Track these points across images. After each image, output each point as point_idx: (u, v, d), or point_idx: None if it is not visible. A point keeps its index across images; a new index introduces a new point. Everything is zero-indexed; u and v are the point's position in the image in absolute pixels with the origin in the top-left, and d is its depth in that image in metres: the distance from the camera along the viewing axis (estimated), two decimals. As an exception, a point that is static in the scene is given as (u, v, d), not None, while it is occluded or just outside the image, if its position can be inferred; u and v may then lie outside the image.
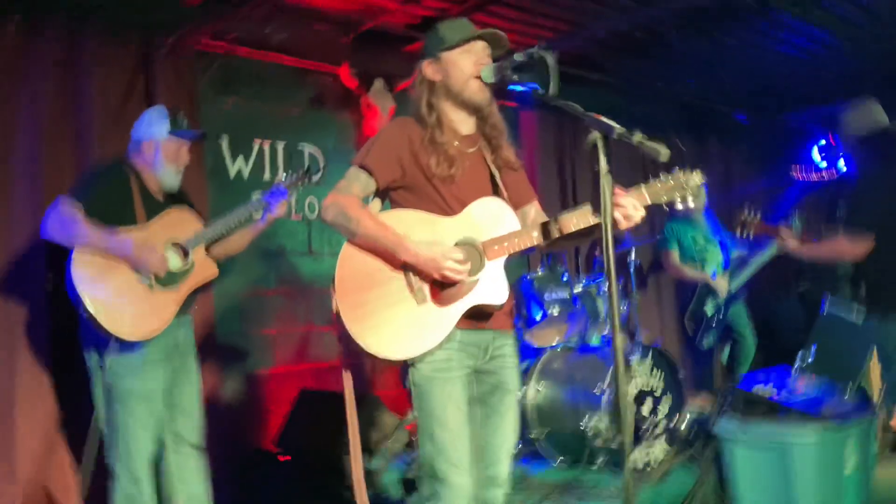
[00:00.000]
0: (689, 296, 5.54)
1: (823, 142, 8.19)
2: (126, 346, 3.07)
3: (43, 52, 3.89)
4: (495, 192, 2.47)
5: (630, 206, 2.25)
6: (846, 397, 3.79)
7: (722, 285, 5.38)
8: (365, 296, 2.28)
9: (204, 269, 3.30)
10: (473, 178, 2.44)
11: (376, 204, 2.51)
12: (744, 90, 6.56)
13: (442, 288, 2.28)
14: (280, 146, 4.88)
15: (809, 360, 4.21)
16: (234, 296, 4.59)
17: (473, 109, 2.46)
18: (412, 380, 2.33)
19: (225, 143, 4.66)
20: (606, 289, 4.27)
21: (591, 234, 2.42)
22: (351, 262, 2.31)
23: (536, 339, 4.26)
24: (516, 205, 2.56)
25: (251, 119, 4.77)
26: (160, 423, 3.23)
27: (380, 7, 4.99)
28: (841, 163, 7.94)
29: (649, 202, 2.32)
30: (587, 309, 4.27)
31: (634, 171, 6.19)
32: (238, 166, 4.70)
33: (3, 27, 3.78)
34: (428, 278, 2.27)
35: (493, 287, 2.30)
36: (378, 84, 5.13)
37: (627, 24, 4.78)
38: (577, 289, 4.25)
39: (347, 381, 2.45)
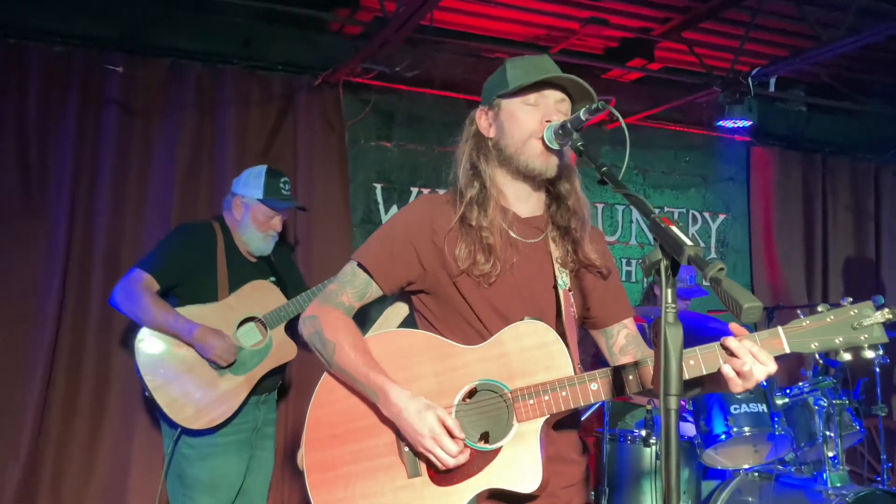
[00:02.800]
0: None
1: None
2: (194, 431, 2.74)
3: (184, 92, 3.76)
4: (557, 307, 1.65)
5: (748, 359, 1.33)
6: None
7: None
8: (339, 452, 1.60)
9: (282, 349, 2.88)
10: (526, 282, 1.65)
11: (402, 309, 1.83)
12: None
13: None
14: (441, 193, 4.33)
15: None
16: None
17: (533, 181, 1.67)
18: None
19: (378, 190, 4.23)
20: (825, 405, 3.13)
21: (695, 386, 1.52)
22: (328, 402, 1.65)
23: (722, 457, 3.17)
24: (597, 324, 1.73)
25: (409, 163, 4.28)
26: None
27: (564, 30, 4.27)
28: None
29: (788, 351, 1.38)
30: (797, 426, 3.07)
31: None
32: (392, 215, 4.24)
33: (152, 69, 3.72)
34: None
35: (518, 465, 1.49)
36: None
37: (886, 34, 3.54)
38: (782, 400, 3.04)
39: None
